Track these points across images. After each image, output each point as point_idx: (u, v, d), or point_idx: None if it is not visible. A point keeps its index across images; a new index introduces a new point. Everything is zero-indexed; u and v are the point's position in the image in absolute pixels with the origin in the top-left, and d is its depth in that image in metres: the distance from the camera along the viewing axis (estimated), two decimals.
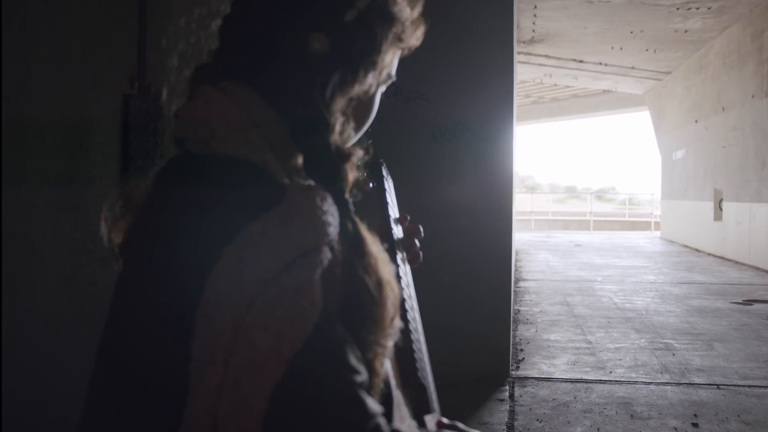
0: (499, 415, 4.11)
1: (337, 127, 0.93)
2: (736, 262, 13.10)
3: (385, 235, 1.22)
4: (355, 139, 1.04)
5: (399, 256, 1.20)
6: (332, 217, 0.83)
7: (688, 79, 16.99)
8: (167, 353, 0.79)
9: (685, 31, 13.94)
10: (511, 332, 5.72)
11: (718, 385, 4.75)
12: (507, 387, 4.65)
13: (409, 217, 1.39)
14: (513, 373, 4.98)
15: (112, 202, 0.97)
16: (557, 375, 4.99)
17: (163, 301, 0.81)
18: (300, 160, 0.92)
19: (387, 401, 0.92)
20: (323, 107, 0.91)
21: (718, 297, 8.79)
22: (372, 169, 1.30)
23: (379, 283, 0.86)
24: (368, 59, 0.95)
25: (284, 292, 0.75)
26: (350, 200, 0.92)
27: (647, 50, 15.68)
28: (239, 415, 0.72)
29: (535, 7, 12.46)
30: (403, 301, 1.15)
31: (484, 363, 4.76)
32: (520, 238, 18.16)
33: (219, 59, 0.98)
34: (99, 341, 0.90)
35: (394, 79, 1.07)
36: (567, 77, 19.83)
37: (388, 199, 1.26)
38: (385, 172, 1.31)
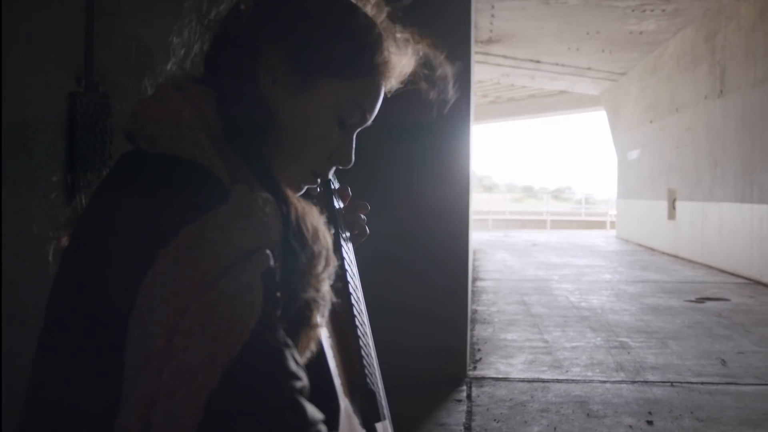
0: (457, 415, 4.10)
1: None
2: (690, 261, 13.31)
3: (326, 208, 1.19)
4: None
5: (342, 233, 1.17)
6: (275, 219, 0.80)
7: (643, 80, 17.23)
8: (99, 360, 0.76)
9: (640, 33, 14.12)
10: (469, 332, 5.72)
11: (672, 382, 4.81)
12: (464, 387, 4.65)
13: (350, 191, 1.35)
14: (470, 373, 4.98)
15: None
16: (514, 375, 5.00)
17: (96, 306, 0.77)
18: (246, 168, 0.90)
19: (333, 409, 0.89)
20: (262, 123, 0.92)
21: (672, 295, 8.92)
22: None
23: (312, 230, 0.85)
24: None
25: (222, 296, 0.71)
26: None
27: (603, 51, 15.86)
28: (173, 424, 0.68)
29: (493, 7, 12.51)
30: (345, 272, 1.12)
31: (441, 363, 4.75)
32: (477, 237, 18.26)
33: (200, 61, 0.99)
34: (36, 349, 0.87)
35: (368, 123, 1.07)
36: (524, 77, 19.97)
37: (335, 203, 1.23)
38: (333, 181, 1.28)
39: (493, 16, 13.06)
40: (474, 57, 14.04)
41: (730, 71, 11.79)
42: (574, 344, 5.97)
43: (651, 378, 4.91)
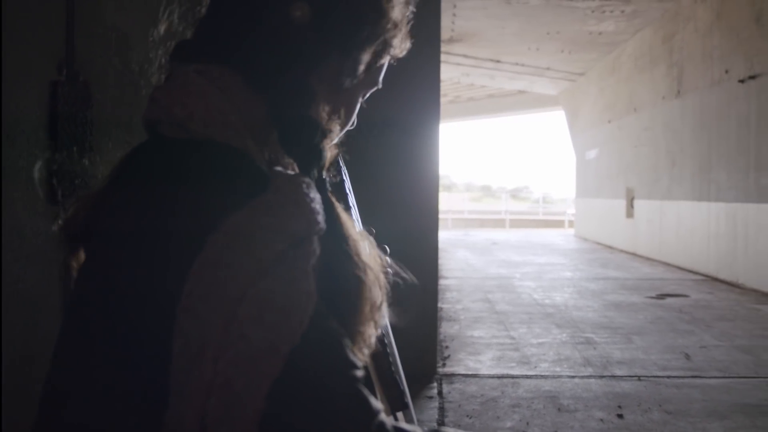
0: (429, 412, 4.10)
1: (316, 107, 0.88)
2: (648, 258, 13.51)
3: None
4: (336, 137, 1.00)
5: None
6: (319, 206, 0.77)
7: (601, 80, 17.45)
8: (139, 351, 0.71)
9: (600, 34, 14.29)
10: (437, 329, 5.73)
11: (639, 376, 4.86)
12: (435, 384, 4.65)
13: (374, 231, 1.34)
14: (440, 370, 4.99)
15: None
16: (484, 371, 5.02)
17: (135, 295, 0.73)
18: (274, 138, 0.86)
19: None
20: (302, 80, 0.86)
21: (633, 292, 9.04)
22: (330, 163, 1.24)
23: (364, 268, 0.81)
24: (353, 43, 0.90)
25: (278, 283, 0.69)
26: (328, 180, 0.87)
27: (563, 51, 16.03)
28: (233, 416, 0.65)
29: (455, 6, 12.56)
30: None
31: (411, 361, 4.72)
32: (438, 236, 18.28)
33: (199, 37, 0.91)
34: (55, 342, 0.82)
35: (379, 86, 1.03)
36: (484, 77, 20.10)
37: (350, 201, 1.22)
38: (342, 164, 1.26)
39: (454, 15, 13.11)
40: None
41: (687, 72, 12.00)
42: (540, 340, 6.01)
43: (618, 372, 4.96)
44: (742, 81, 9.85)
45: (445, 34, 14.53)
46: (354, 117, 0.99)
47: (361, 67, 0.94)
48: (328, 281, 0.75)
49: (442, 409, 4.15)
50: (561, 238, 20.61)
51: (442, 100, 26.11)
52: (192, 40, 0.92)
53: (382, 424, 0.71)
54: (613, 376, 4.87)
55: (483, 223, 31.13)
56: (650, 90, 13.87)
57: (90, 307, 0.78)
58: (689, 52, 11.88)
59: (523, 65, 17.76)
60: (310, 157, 0.83)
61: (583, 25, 13.65)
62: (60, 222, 0.89)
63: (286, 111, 0.85)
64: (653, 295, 8.79)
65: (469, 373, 4.95)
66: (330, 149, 0.89)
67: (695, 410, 4.16)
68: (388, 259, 1.06)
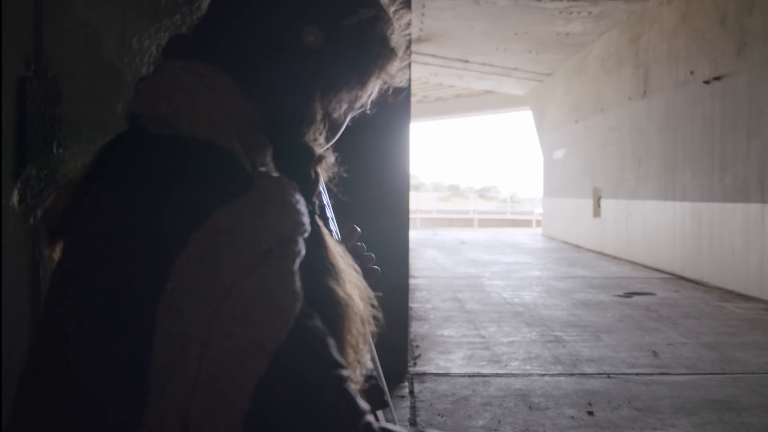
0: (401, 411, 4.09)
1: (311, 131, 0.89)
2: (614, 257, 13.65)
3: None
4: (331, 158, 1.00)
5: None
6: (305, 209, 0.77)
7: (568, 80, 17.59)
8: (119, 350, 0.70)
9: (567, 34, 14.41)
10: (407, 329, 5.73)
11: (608, 374, 4.91)
12: (406, 383, 4.64)
13: (359, 230, 1.32)
14: (411, 369, 4.98)
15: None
16: (455, 370, 5.02)
17: (115, 294, 0.71)
18: (268, 155, 0.85)
19: None
20: (303, 103, 0.86)
21: (601, 290, 9.12)
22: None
23: (347, 300, 0.81)
24: (356, 71, 0.91)
25: (264, 281, 0.68)
26: (317, 204, 0.87)
27: (530, 52, 16.13)
28: (217, 414, 0.64)
29: (424, 6, 12.58)
30: None
31: (383, 360, 4.71)
32: None
33: (199, 35, 0.90)
34: (31, 341, 0.80)
35: (367, 110, 1.03)
36: (452, 77, 20.17)
37: (329, 214, 1.21)
38: (322, 185, 1.25)
39: (423, 14, 13.13)
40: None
41: (653, 73, 12.14)
42: (510, 339, 6.04)
43: (588, 370, 5.00)
44: (706, 82, 9.99)
45: (413, 33, 14.54)
46: (338, 136, 1.00)
47: (364, 98, 0.96)
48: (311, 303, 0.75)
49: (413, 409, 4.15)
50: (529, 237, 20.75)
51: (411, 99, 26.18)
52: (187, 36, 0.91)
53: (369, 425, 0.70)
54: (583, 374, 4.90)
55: (451, 223, 31.24)
56: (617, 90, 14.01)
57: (68, 307, 0.76)
58: (655, 53, 12.02)
59: (491, 65, 17.85)
60: (304, 185, 0.82)
61: (550, 25, 13.74)
62: (38, 214, 0.86)
63: (284, 134, 0.85)
64: (620, 293, 8.88)
65: (440, 372, 4.96)
66: (322, 173, 0.89)
67: (664, 407, 4.21)
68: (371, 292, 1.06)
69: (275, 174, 0.79)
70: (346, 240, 1.23)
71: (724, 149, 9.56)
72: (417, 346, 5.74)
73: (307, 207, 0.79)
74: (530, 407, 4.17)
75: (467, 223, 31.08)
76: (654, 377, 4.86)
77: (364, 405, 0.72)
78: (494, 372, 4.95)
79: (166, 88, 0.82)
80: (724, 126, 9.56)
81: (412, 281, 9.90)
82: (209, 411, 0.65)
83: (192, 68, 0.84)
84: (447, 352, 5.57)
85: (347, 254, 0.85)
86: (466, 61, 17.55)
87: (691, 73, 10.53)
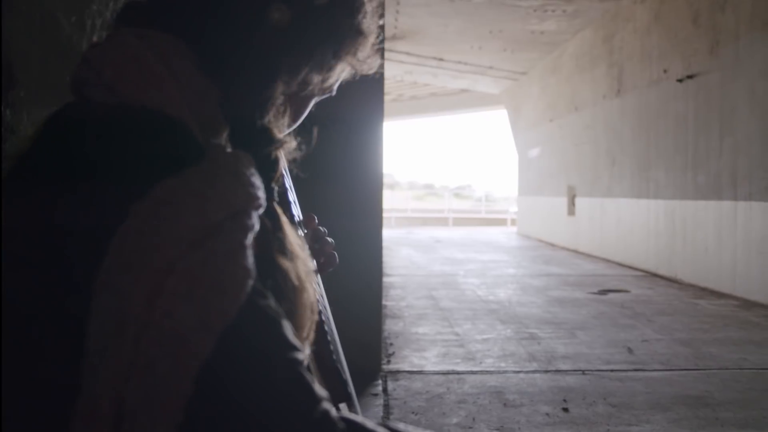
0: (374, 409, 4.03)
1: (272, 113, 0.83)
2: (589, 255, 13.68)
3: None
4: (292, 144, 0.94)
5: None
6: (260, 182, 0.70)
7: (543, 79, 17.63)
8: (49, 331, 0.62)
9: (541, 33, 14.43)
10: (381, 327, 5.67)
11: (583, 370, 4.88)
12: (380, 381, 4.58)
13: (316, 218, 1.28)
14: (384, 367, 4.93)
15: None
16: (429, 368, 4.97)
17: (53, 273, 0.64)
18: (224, 134, 0.79)
19: None
20: (265, 84, 0.80)
21: (576, 288, 9.12)
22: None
23: (300, 288, 0.75)
24: (324, 53, 0.86)
25: (212, 256, 0.61)
26: (275, 190, 0.81)
27: (505, 50, 16.14)
28: (154, 401, 0.57)
29: (398, 3, 12.53)
30: (320, 314, 1.04)
31: (355, 358, 4.65)
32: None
33: (156, 2, 0.83)
34: None
35: (333, 94, 0.98)
36: (427, 75, 20.15)
37: (290, 197, 1.16)
38: (284, 168, 1.20)
39: (398, 12, 13.08)
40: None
41: (626, 71, 12.18)
42: (485, 336, 6.00)
43: (563, 367, 4.97)
44: (680, 80, 10.03)
45: (388, 31, 14.51)
46: (301, 119, 0.95)
47: (330, 80, 0.92)
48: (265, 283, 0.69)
49: (387, 407, 4.09)
50: (504, 235, 20.78)
51: (386, 98, 26.19)
52: (143, 3, 0.84)
53: (326, 413, 0.64)
54: (558, 371, 4.87)
55: (426, 222, 31.22)
56: (591, 89, 14.05)
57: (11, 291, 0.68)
58: (629, 51, 12.06)
59: (466, 64, 17.84)
60: (262, 169, 0.76)
61: (525, 24, 13.75)
62: None
63: (242, 114, 0.80)
64: (595, 290, 8.88)
65: (414, 369, 4.90)
66: (282, 158, 0.84)
67: (639, 402, 4.18)
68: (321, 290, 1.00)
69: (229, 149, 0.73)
70: (306, 224, 1.18)
71: (697, 147, 9.60)
72: (391, 344, 5.68)
73: (266, 191, 0.73)
74: (505, 404, 4.13)
75: (442, 222, 31.09)
76: (629, 373, 4.84)
77: (321, 392, 0.65)
78: (469, 369, 4.90)
79: (114, 54, 0.76)
80: (697, 124, 9.61)
81: (386, 279, 9.86)
82: (147, 397, 0.58)
83: (145, 36, 0.77)
84: (421, 349, 5.52)
85: (304, 243, 0.79)
86: (441, 60, 17.53)
87: (665, 71, 10.57)
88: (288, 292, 0.72)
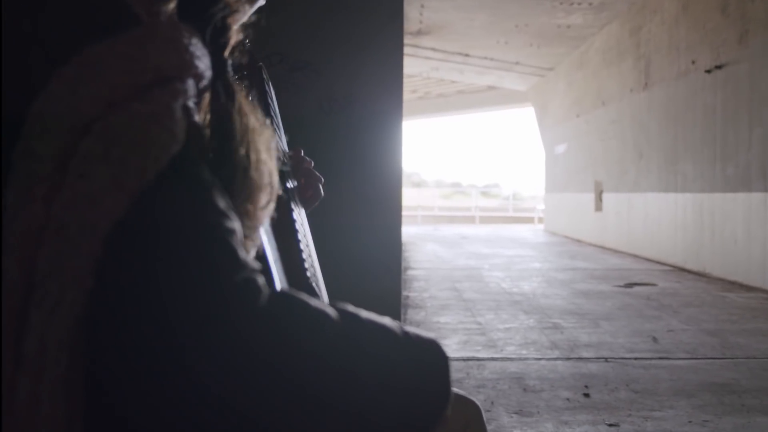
0: None
1: None
2: (616, 251, 13.53)
3: None
4: (246, 14, 0.90)
5: (286, 180, 1.07)
6: (200, 52, 0.66)
7: (569, 75, 17.48)
8: None
9: (568, 27, 14.30)
10: (401, 316, 5.63)
11: (606, 358, 4.80)
12: None
13: (302, 151, 1.25)
14: None
15: None
16: (449, 354, 4.91)
17: None
18: (172, 2, 0.75)
19: None
20: None
21: (601, 281, 9.02)
22: (250, 73, 1.15)
23: (255, 159, 0.71)
24: None
25: (134, 117, 0.57)
26: (229, 62, 0.77)
27: (531, 45, 16.02)
28: (64, 264, 0.53)
29: None
30: (293, 222, 1.01)
31: None
32: (407, 231, 18.24)
33: None
34: None
35: None
36: (453, 72, 20.07)
37: (272, 114, 1.12)
38: (265, 76, 1.16)
39: (423, 6, 13.03)
40: (404, 48, 14.02)
41: (654, 64, 12.03)
42: (507, 326, 5.94)
43: (585, 354, 4.90)
44: (708, 71, 9.88)
45: (413, 26, 14.47)
46: None
47: None
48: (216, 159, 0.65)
49: None
50: (530, 232, 20.64)
51: (412, 96, 26.21)
52: None
53: (249, 280, 0.59)
54: (580, 358, 4.80)
55: (453, 220, 31.12)
56: (618, 83, 13.90)
57: None
58: (656, 44, 11.91)
59: (492, 59, 17.74)
60: (210, 33, 0.72)
61: (551, 18, 13.63)
62: None
63: None
64: (621, 284, 8.77)
65: None
66: (235, 25, 0.79)
67: (662, 389, 4.10)
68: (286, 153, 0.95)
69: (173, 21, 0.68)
70: (293, 157, 1.15)
71: (725, 139, 9.44)
72: None
73: (220, 65, 0.69)
74: (525, 389, 4.07)
75: (469, 220, 30.97)
76: (653, 361, 4.75)
77: (251, 262, 0.61)
78: (489, 356, 4.85)
79: None
80: (725, 115, 9.45)
81: (410, 272, 9.82)
82: (57, 262, 0.54)
83: None
84: (442, 337, 5.47)
85: (263, 117, 0.75)
86: (467, 55, 17.44)
87: (693, 62, 10.42)
88: (240, 163, 0.68)
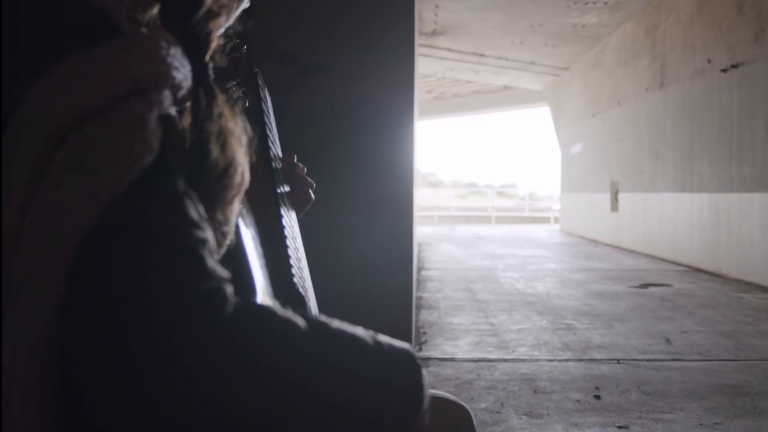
0: None
1: None
2: (631, 251, 13.47)
3: (262, 158, 1.10)
4: (229, 18, 0.90)
5: (277, 185, 1.07)
6: (179, 62, 0.67)
7: (585, 74, 17.41)
8: None
9: (583, 26, 14.24)
10: (414, 317, 5.63)
11: (618, 359, 4.78)
12: None
13: (295, 156, 1.26)
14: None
15: None
16: (460, 355, 4.92)
17: None
18: (153, 9, 0.76)
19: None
20: None
21: (616, 282, 8.98)
22: (246, 79, 1.16)
23: (231, 162, 0.72)
24: None
25: (108, 127, 0.58)
26: (210, 65, 0.77)
27: (546, 45, 15.97)
28: (36, 272, 0.55)
29: None
30: (282, 228, 1.02)
31: None
32: (422, 231, 18.25)
33: None
34: None
35: None
36: (468, 72, 20.04)
37: (266, 119, 1.13)
38: (261, 82, 1.17)
39: (437, 6, 13.02)
40: (419, 50, 13.98)
41: (669, 63, 11.96)
42: (520, 327, 5.93)
43: (597, 356, 4.88)
44: (724, 70, 9.81)
45: (428, 27, 14.47)
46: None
47: None
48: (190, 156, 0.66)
49: None
50: (546, 232, 20.58)
51: (428, 96, 26.18)
52: None
53: (216, 290, 0.60)
54: (592, 360, 4.78)
55: (469, 220, 31.07)
56: (633, 83, 13.83)
57: None
58: (672, 43, 11.84)
59: (507, 59, 17.70)
60: (191, 41, 0.73)
61: (566, 17, 13.58)
62: None
63: None
64: (636, 284, 8.73)
65: (446, 357, 4.85)
66: (216, 30, 0.79)
67: (674, 391, 4.08)
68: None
69: (153, 29, 0.69)
70: (286, 161, 1.15)
71: (742, 138, 9.38)
72: (424, 333, 5.64)
73: (200, 68, 0.70)
74: (535, 391, 4.06)
75: (485, 220, 30.91)
76: (666, 363, 4.73)
77: (220, 271, 0.61)
78: (501, 357, 4.84)
79: None
80: (741, 114, 9.38)
81: (424, 273, 9.82)
82: (29, 269, 0.56)
83: None
84: (454, 338, 5.47)
85: (244, 123, 0.76)
86: (482, 55, 17.41)
87: (709, 61, 10.35)
88: (215, 165, 0.69)
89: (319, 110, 4.59)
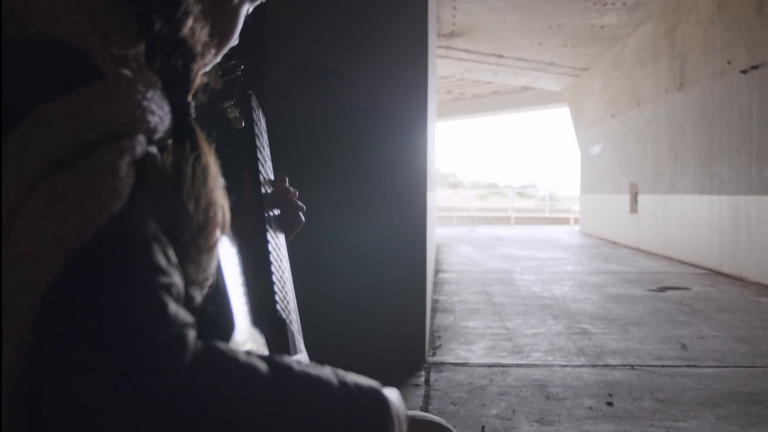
0: (414, 399, 4.01)
1: (190, 22, 0.80)
2: (651, 253, 13.38)
3: (251, 181, 1.11)
4: (216, 57, 0.92)
5: (266, 209, 1.09)
6: (156, 106, 0.68)
7: (604, 75, 17.32)
8: None
9: (602, 27, 14.17)
10: (429, 320, 5.64)
11: (632, 365, 4.76)
12: (423, 372, 4.55)
13: (287, 179, 1.27)
14: (429, 359, 4.89)
15: None
16: (474, 360, 4.92)
17: None
18: (141, 46, 0.78)
19: (225, 335, 0.78)
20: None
21: (634, 285, 8.93)
22: (239, 102, 1.17)
23: (209, 201, 0.73)
24: None
25: (79, 175, 0.60)
26: (192, 104, 0.79)
27: (566, 46, 15.90)
28: (6, 320, 0.57)
29: None
30: (268, 253, 1.03)
31: (399, 349, 4.66)
32: (441, 232, 18.23)
33: None
34: None
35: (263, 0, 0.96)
36: (487, 72, 19.98)
37: (258, 143, 1.14)
38: (254, 104, 1.19)
39: (455, 8, 13.00)
40: (437, 51, 13.96)
41: (689, 64, 11.87)
42: (535, 331, 5.92)
43: (611, 362, 4.86)
44: (744, 71, 9.73)
45: (446, 28, 14.45)
46: (236, 35, 0.91)
47: None
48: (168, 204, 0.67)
49: (427, 397, 4.06)
50: (565, 234, 20.48)
51: (447, 97, 26.14)
52: None
53: (177, 337, 0.61)
54: (606, 365, 4.77)
55: (488, 221, 31.00)
56: (653, 83, 13.75)
57: None
58: (691, 44, 11.75)
59: (526, 60, 17.64)
60: (173, 81, 0.75)
61: (584, 18, 13.52)
62: None
63: (155, 26, 0.76)
64: (654, 288, 8.68)
65: (459, 361, 4.86)
66: (199, 69, 0.81)
67: (688, 398, 4.06)
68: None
69: (134, 72, 0.71)
70: (277, 184, 1.17)
71: (762, 140, 9.29)
72: (439, 337, 5.64)
73: (182, 107, 0.72)
74: (547, 397, 4.06)
75: (504, 220, 30.83)
76: (680, 369, 4.71)
77: (183, 317, 0.63)
78: (514, 362, 4.84)
79: None
80: (762, 116, 9.30)
81: (441, 275, 9.82)
82: None
83: None
84: (468, 342, 5.47)
85: (217, 172, 0.77)
86: (501, 56, 17.36)
87: (729, 63, 10.27)
88: (194, 210, 0.71)
89: (333, 115, 4.60)
